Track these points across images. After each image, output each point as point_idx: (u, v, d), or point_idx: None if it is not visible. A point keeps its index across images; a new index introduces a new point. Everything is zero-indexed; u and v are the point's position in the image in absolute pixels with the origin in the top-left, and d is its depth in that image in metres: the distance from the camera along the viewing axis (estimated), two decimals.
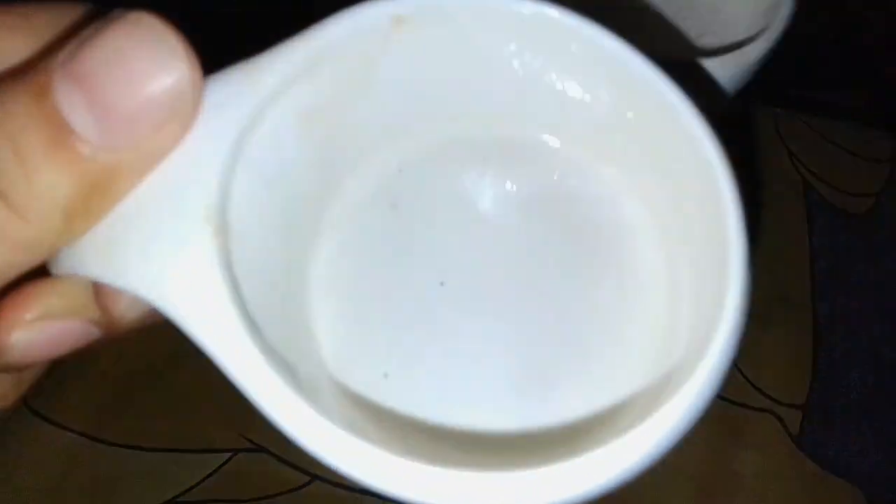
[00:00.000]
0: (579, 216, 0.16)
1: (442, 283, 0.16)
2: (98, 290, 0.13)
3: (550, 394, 0.15)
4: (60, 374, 0.35)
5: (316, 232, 0.15)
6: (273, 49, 0.13)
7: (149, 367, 0.36)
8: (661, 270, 0.15)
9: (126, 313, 0.13)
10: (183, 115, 0.11)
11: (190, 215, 0.12)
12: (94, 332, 0.14)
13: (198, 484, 0.33)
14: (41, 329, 0.13)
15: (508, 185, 0.16)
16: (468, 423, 0.14)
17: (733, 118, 0.38)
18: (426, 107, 0.15)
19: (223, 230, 0.12)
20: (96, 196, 0.11)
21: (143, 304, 0.12)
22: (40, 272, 0.13)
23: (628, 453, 0.12)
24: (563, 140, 0.16)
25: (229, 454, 0.34)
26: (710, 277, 0.13)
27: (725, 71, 0.21)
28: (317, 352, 0.15)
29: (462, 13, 0.13)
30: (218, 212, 0.12)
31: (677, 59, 0.19)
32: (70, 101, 0.10)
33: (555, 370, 0.15)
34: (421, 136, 0.16)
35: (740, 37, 0.22)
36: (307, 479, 0.33)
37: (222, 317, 0.12)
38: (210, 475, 0.33)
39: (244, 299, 0.12)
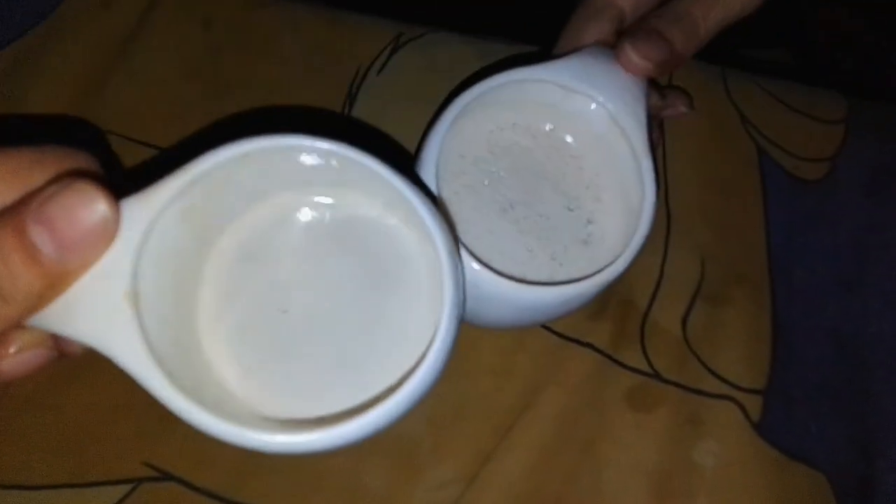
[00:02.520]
0: (377, 249, 0.24)
1: (285, 311, 0.24)
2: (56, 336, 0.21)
3: (359, 378, 0.23)
4: None
5: (197, 285, 0.23)
6: (161, 180, 0.20)
7: (31, 391, 0.31)
8: (426, 292, 0.24)
9: (75, 347, 0.21)
10: (107, 236, 0.19)
11: (114, 293, 0.19)
12: (53, 355, 0.22)
13: None
14: (20, 358, 0.21)
15: (328, 233, 0.24)
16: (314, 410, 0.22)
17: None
18: (262, 193, 0.24)
19: (135, 299, 0.19)
20: (56, 287, 0.19)
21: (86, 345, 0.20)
22: None
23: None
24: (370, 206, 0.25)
25: (132, 485, 0.30)
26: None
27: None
28: (210, 370, 0.23)
29: (279, 149, 0.21)
30: (132, 289, 0.19)
31: None
32: (38, 236, 0.18)
33: (363, 360, 0.24)
34: (258, 212, 0.24)
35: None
36: None
37: (139, 354, 0.19)
38: None
39: (152, 342, 0.19)
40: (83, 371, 0.32)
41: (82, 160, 0.20)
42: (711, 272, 0.35)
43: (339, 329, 0.23)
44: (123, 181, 0.21)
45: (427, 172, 0.26)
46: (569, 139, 0.30)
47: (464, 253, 0.25)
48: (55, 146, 0.20)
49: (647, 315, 0.35)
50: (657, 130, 0.35)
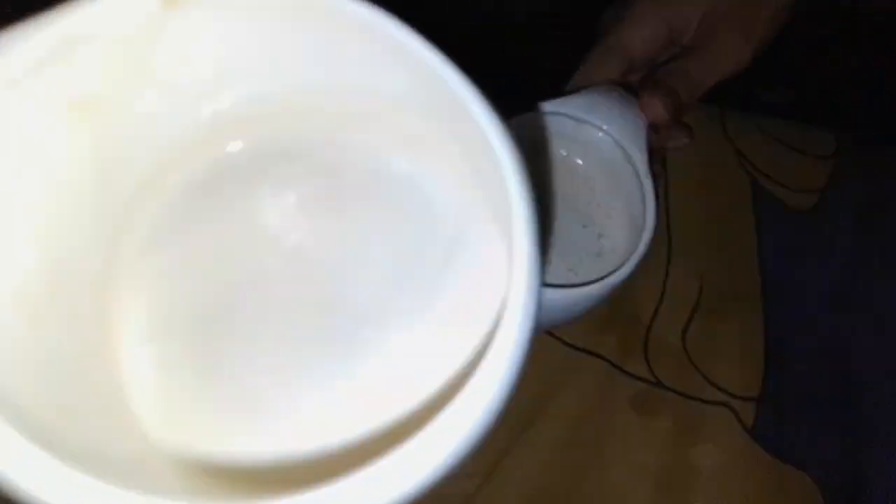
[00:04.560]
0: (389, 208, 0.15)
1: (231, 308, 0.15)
2: None
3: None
4: None
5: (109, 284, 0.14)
6: (14, 28, 0.11)
7: None
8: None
9: None
10: None
11: None
12: None
13: None
14: None
15: (301, 191, 0.15)
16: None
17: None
18: (209, 110, 0.14)
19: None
20: None
21: None
22: None
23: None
24: (358, 130, 0.15)
25: None
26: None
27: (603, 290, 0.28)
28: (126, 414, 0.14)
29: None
30: None
31: None
32: None
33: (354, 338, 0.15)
34: (206, 152, 0.15)
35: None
36: None
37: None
38: None
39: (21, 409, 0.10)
40: None
41: None
42: (709, 291, 0.39)
43: (340, 303, 0.16)
44: None
45: None
46: (581, 164, 0.34)
47: None
48: None
49: (650, 328, 0.38)
50: (660, 164, 0.39)
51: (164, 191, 0.14)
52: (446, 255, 0.15)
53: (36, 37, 0.11)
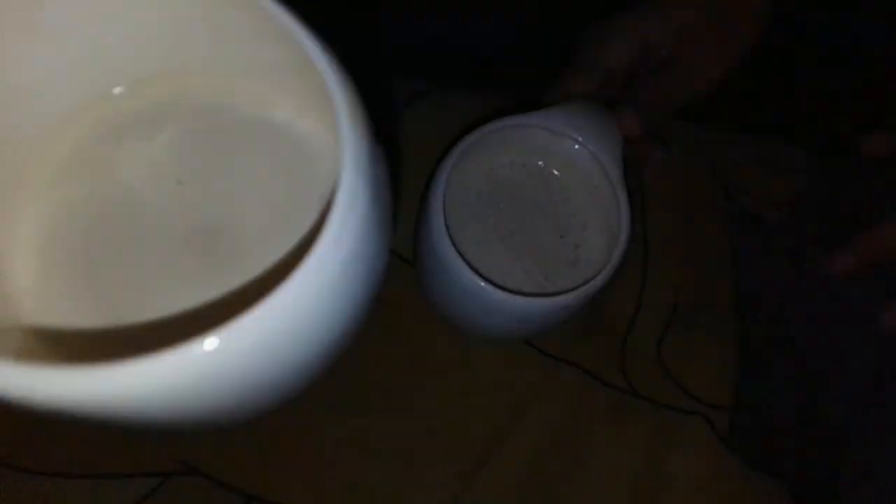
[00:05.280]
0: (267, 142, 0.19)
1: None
2: None
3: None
4: None
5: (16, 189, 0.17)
6: None
7: None
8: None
9: None
10: None
11: None
12: None
13: None
14: None
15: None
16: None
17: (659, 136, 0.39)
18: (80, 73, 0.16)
19: None
20: None
21: None
22: None
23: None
24: (245, 89, 0.18)
25: (160, 478, 0.33)
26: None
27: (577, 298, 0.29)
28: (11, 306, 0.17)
29: None
30: None
31: None
32: None
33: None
34: (105, 108, 0.17)
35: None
36: (243, 500, 0.33)
37: None
38: (142, 500, 0.32)
39: None
40: None
41: None
42: (684, 301, 0.39)
43: (220, 231, 0.19)
44: None
45: (436, 203, 0.30)
46: (558, 175, 0.34)
47: (470, 272, 0.28)
48: None
49: (626, 338, 0.38)
50: (636, 177, 0.39)
51: (64, 140, 0.17)
52: (319, 190, 0.19)
53: None
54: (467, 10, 0.52)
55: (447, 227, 0.29)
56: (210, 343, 0.11)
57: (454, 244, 0.29)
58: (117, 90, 0.18)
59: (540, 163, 0.34)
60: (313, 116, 0.20)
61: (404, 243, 0.38)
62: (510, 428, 0.35)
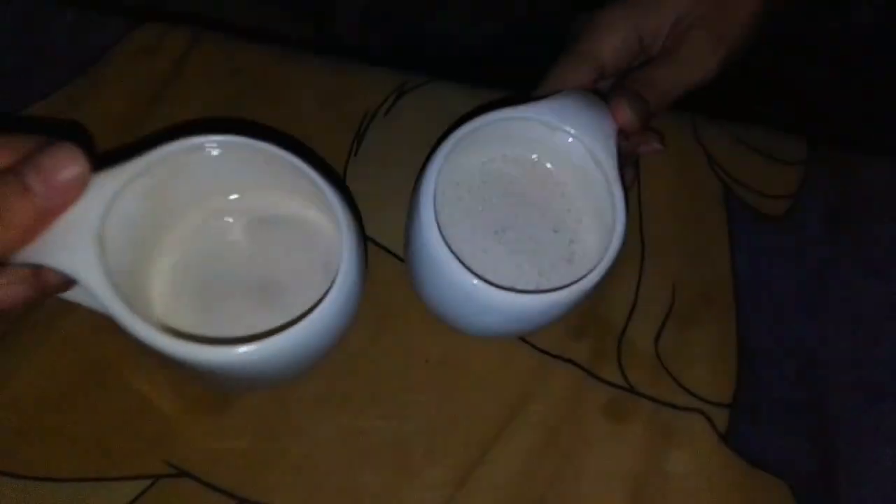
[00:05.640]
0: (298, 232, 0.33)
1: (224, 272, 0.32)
2: (37, 271, 0.25)
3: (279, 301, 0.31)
4: None
5: (154, 248, 0.31)
6: (125, 161, 0.26)
7: (60, 391, 0.34)
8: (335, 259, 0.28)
9: (51, 281, 0.26)
10: (82, 185, 0.25)
11: (85, 235, 0.25)
12: (32, 292, 0.25)
13: None
14: (7, 291, 0.25)
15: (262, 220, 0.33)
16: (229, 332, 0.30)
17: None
18: (208, 187, 0.31)
19: (101, 244, 0.25)
20: (42, 221, 0.24)
21: (63, 276, 0.25)
22: None
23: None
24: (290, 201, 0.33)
25: (150, 481, 0.32)
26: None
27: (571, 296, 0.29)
28: (149, 301, 0.30)
29: (221, 147, 0.28)
30: (99, 234, 0.25)
31: None
32: (32, 180, 0.23)
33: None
34: (209, 203, 0.32)
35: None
36: (233, 502, 0.32)
37: (99, 280, 0.24)
38: None
39: (110, 273, 0.25)
40: (110, 375, 0.34)
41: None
42: (681, 295, 0.39)
43: (274, 285, 0.31)
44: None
45: (426, 199, 0.29)
46: (552, 169, 0.34)
47: (462, 269, 0.28)
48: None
49: (623, 334, 0.38)
50: (633, 169, 0.39)
51: (191, 220, 0.32)
52: (325, 259, 0.32)
53: (130, 166, 0.26)
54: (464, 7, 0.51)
55: (438, 223, 0.28)
56: (249, 347, 0.25)
57: (445, 241, 0.28)
58: (233, 197, 0.33)
59: (533, 156, 0.34)
60: (317, 210, 0.32)
61: (398, 240, 0.38)
62: (504, 427, 0.35)
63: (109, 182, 0.25)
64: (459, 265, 0.28)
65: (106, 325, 0.33)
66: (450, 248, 0.28)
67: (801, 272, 0.40)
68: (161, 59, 0.43)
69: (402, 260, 0.37)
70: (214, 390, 0.34)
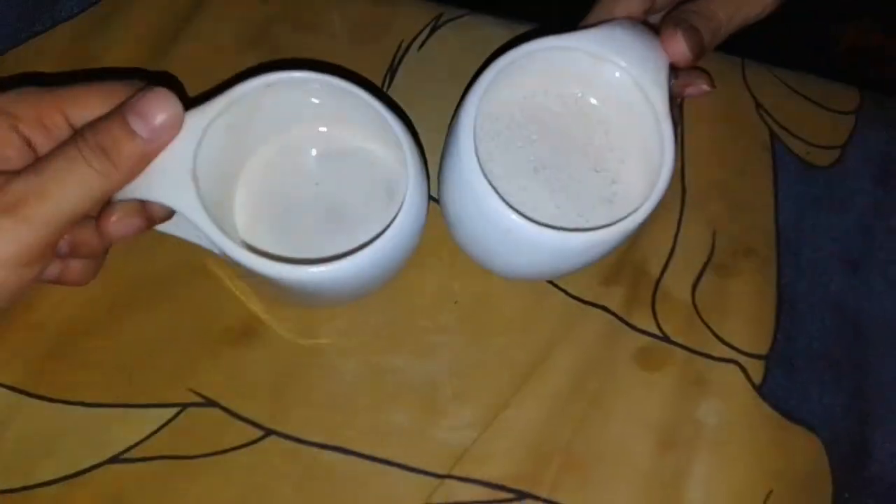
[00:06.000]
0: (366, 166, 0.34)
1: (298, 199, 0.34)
2: (143, 204, 0.28)
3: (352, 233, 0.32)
4: None
5: (236, 178, 0.33)
6: (211, 99, 0.28)
7: (89, 316, 0.34)
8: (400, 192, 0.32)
9: (159, 212, 0.29)
10: (177, 125, 0.27)
11: (182, 171, 0.27)
12: (143, 223, 0.28)
13: (144, 440, 0.32)
14: (122, 223, 0.28)
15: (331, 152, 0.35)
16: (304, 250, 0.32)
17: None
18: (281, 122, 0.33)
19: (195, 178, 0.27)
20: (145, 159, 0.27)
21: (166, 208, 0.29)
22: None
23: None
24: (354, 133, 0.34)
25: (178, 409, 0.32)
26: None
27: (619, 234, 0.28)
28: (234, 226, 0.33)
29: (293, 81, 0.30)
30: (193, 169, 0.27)
31: None
32: (135, 122, 0.26)
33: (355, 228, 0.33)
34: (282, 136, 0.34)
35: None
36: (261, 433, 0.32)
37: (197, 210, 0.27)
38: (157, 431, 0.32)
39: (205, 204, 0.27)
40: (134, 306, 0.34)
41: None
42: (721, 245, 0.37)
43: (340, 211, 0.33)
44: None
45: (465, 131, 0.28)
46: (596, 104, 0.32)
47: (502, 204, 0.27)
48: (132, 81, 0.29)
49: (659, 282, 0.37)
50: (677, 111, 0.37)
51: (267, 154, 0.34)
52: (388, 187, 0.33)
53: (217, 102, 0.28)
54: None
55: (478, 156, 0.27)
56: (323, 267, 0.27)
57: (485, 175, 0.27)
58: (304, 130, 0.34)
59: (578, 92, 0.32)
60: (381, 141, 0.33)
61: (431, 180, 0.37)
62: (532, 371, 0.34)
63: (197, 121, 0.27)
64: (499, 200, 0.27)
65: (137, 250, 0.34)
66: (490, 182, 0.27)
67: (846, 225, 0.39)
68: None
69: (434, 200, 0.36)
70: (298, 305, 0.36)
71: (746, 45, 0.38)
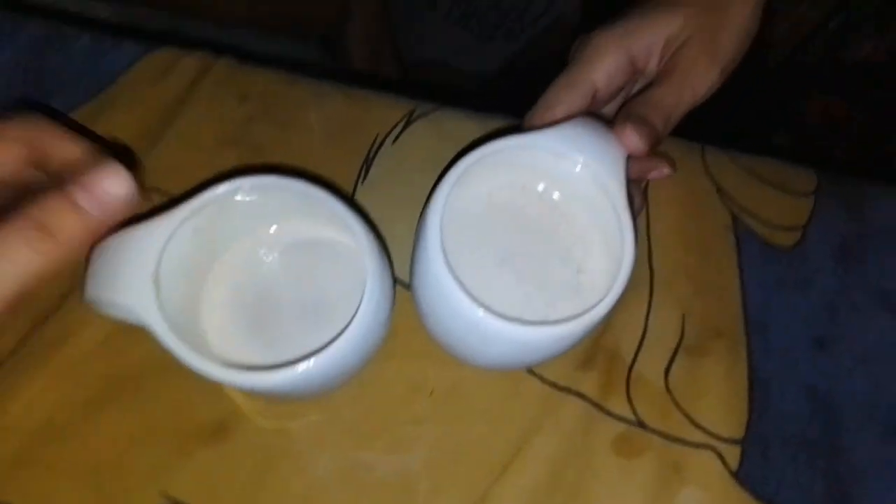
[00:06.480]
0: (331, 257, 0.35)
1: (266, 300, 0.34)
2: None
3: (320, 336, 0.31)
4: None
5: (204, 280, 0.34)
6: (179, 204, 0.29)
7: (61, 418, 0.33)
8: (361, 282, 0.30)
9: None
10: (130, 204, 0.25)
11: (144, 276, 0.28)
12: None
13: None
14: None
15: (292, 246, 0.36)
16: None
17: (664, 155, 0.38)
18: (250, 223, 0.34)
19: (157, 282, 0.28)
20: (91, 236, 0.25)
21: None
22: None
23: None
24: (322, 228, 0.35)
25: None
26: None
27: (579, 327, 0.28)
28: (204, 338, 0.32)
29: (257, 189, 0.31)
30: (155, 274, 0.28)
31: None
32: (83, 199, 0.24)
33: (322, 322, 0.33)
34: (251, 236, 0.35)
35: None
36: None
37: (156, 317, 0.27)
38: None
39: (166, 311, 0.27)
40: (106, 405, 0.34)
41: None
42: (691, 327, 0.38)
43: (315, 304, 0.34)
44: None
45: (432, 228, 0.29)
46: (559, 198, 0.33)
47: (468, 299, 0.28)
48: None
49: (632, 367, 0.37)
50: (641, 196, 0.38)
51: (238, 253, 0.34)
52: (360, 276, 0.30)
53: (184, 208, 0.29)
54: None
55: (444, 252, 0.28)
56: (307, 364, 0.27)
57: (452, 270, 0.28)
58: (272, 229, 0.35)
59: (540, 186, 0.33)
60: (348, 235, 0.31)
61: (403, 268, 0.37)
62: (511, 462, 0.34)
63: (164, 226, 0.28)
64: (465, 295, 0.27)
65: (102, 355, 0.34)
66: (456, 277, 0.28)
67: (812, 305, 0.40)
68: (174, 83, 0.44)
69: (408, 288, 0.37)
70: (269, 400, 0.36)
71: (708, 123, 0.39)
